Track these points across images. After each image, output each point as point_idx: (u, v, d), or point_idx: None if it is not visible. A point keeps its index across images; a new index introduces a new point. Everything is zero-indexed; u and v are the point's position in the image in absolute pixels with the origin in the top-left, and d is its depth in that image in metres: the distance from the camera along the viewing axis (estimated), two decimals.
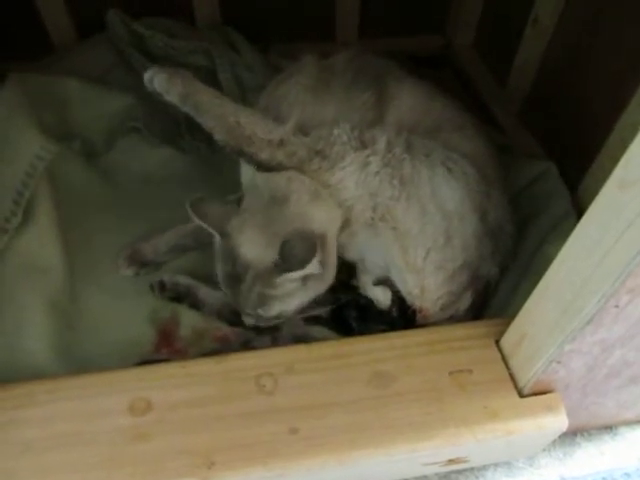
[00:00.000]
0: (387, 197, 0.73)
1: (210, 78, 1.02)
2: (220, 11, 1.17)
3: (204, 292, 0.84)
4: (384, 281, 0.77)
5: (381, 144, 0.75)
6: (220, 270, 0.75)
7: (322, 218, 0.74)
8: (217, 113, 0.77)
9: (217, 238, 0.74)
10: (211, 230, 0.74)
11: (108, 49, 1.05)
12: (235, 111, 0.77)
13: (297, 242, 0.69)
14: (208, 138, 1.02)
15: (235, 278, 0.73)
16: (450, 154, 0.76)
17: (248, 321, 0.76)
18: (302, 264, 0.69)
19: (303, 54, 1.07)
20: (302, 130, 0.77)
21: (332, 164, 0.75)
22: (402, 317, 0.75)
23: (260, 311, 0.74)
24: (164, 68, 0.78)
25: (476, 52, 1.30)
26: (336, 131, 0.76)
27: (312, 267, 0.69)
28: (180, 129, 1.01)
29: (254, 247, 0.72)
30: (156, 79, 0.77)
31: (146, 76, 0.78)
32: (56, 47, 1.14)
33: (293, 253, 0.69)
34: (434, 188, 0.74)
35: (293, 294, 0.74)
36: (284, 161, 0.76)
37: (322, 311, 0.78)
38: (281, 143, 0.76)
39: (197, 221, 0.74)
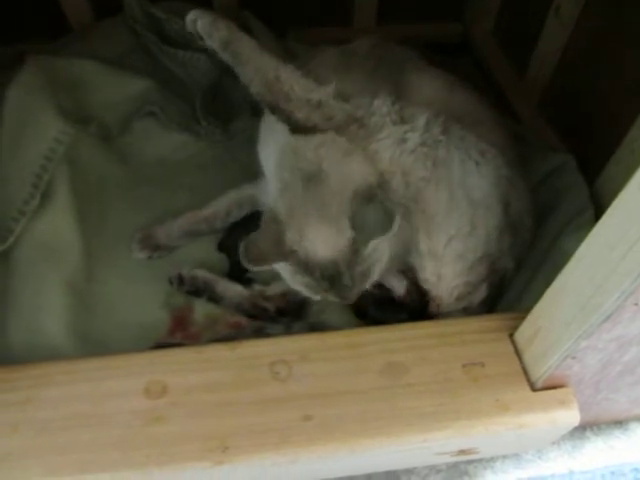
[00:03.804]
0: (418, 177, 0.72)
1: (226, 63, 1.01)
2: None
3: (222, 286, 0.84)
4: (403, 270, 0.77)
5: (420, 122, 0.74)
6: (307, 283, 0.71)
7: (362, 170, 0.72)
8: (257, 65, 0.75)
9: (284, 264, 0.70)
10: (277, 264, 0.70)
11: (125, 32, 1.04)
12: (276, 65, 0.75)
13: (363, 210, 0.67)
14: (224, 123, 1.04)
15: (331, 279, 0.70)
16: (481, 143, 0.75)
17: (352, 299, 0.73)
18: (386, 228, 0.66)
19: (320, 40, 1.06)
20: (342, 96, 0.75)
21: (369, 133, 0.73)
22: (418, 307, 0.75)
23: (367, 285, 0.72)
24: (208, 11, 0.76)
25: (495, 40, 1.28)
26: (377, 102, 0.74)
27: (396, 224, 0.67)
28: (196, 114, 1.01)
29: (327, 244, 0.68)
30: (199, 21, 0.75)
31: (189, 17, 0.76)
32: (73, 28, 1.13)
33: (367, 222, 0.67)
34: (465, 175, 0.73)
35: (383, 249, 0.71)
36: (320, 123, 0.73)
37: None
38: (319, 104, 0.73)
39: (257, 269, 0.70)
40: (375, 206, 0.68)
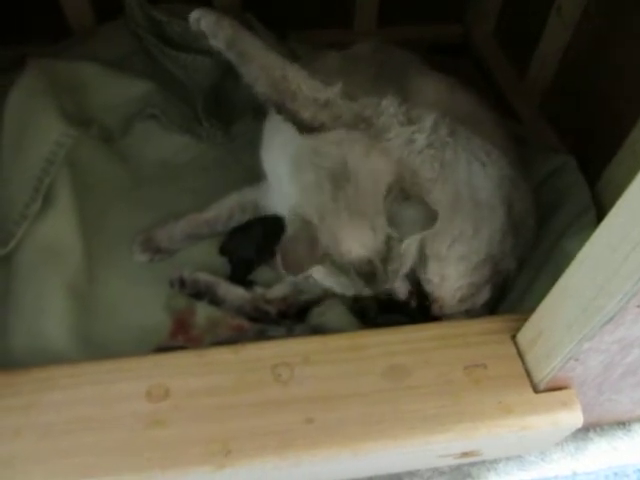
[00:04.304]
0: (425, 178, 0.72)
1: (228, 64, 1.01)
2: None
3: (224, 289, 0.84)
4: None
5: (428, 123, 0.74)
6: (340, 282, 0.71)
7: (387, 166, 0.71)
8: (263, 63, 0.74)
9: (321, 269, 0.69)
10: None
11: (126, 34, 1.04)
12: (282, 64, 0.74)
13: (404, 206, 0.66)
14: (225, 125, 1.04)
15: (366, 277, 0.69)
16: (486, 144, 0.75)
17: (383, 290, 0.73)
18: (424, 226, 0.66)
19: (321, 42, 1.06)
20: (349, 96, 0.74)
21: (377, 133, 0.73)
22: (420, 309, 0.75)
23: (400, 278, 0.72)
24: (212, 10, 0.76)
25: (496, 41, 1.28)
26: (384, 102, 0.74)
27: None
28: (198, 116, 1.01)
29: (363, 243, 0.68)
30: (203, 20, 0.75)
31: (193, 16, 0.75)
32: (74, 31, 1.13)
33: (404, 220, 0.66)
34: (470, 176, 0.73)
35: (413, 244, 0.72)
36: (327, 123, 0.73)
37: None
38: (327, 103, 0.73)
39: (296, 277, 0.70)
40: (414, 203, 0.67)
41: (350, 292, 0.73)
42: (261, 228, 0.89)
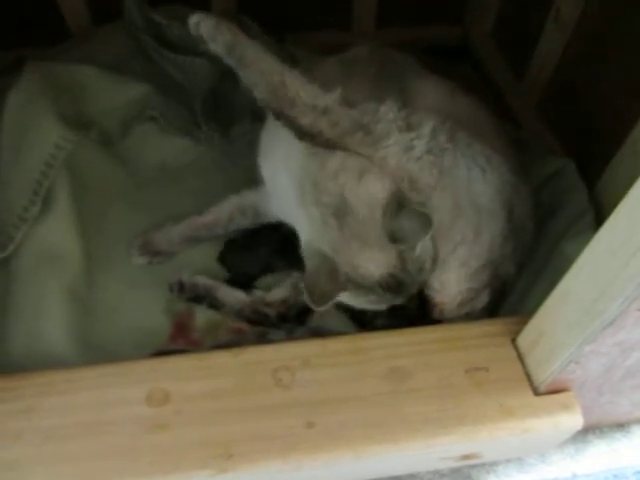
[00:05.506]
0: (425, 185, 0.73)
1: (226, 68, 1.01)
2: (236, 0, 1.16)
3: (223, 292, 0.83)
4: None
5: (427, 129, 0.74)
6: (370, 300, 0.72)
7: (381, 185, 0.71)
8: (262, 69, 0.73)
9: (348, 294, 0.71)
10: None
11: (125, 37, 1.04)
12: (281, 70, 0.74)
13: (399, 220, 0.68)
14: (224, 128, 1.04)
15: (393, 289, 0.70)
16: (487, 149, 0.75)
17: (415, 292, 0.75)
18: (425, 228, 0.67)
19: (319, 44, 1.06)
20: (348, 103, 0.74)
21: (375, 140, 0.73)
22: (420, 312, 0.76)
23: (427, 273, 0.73)
24: (211, 15, 0.75)
25: (494, 43, 1.28)
26: (383, 108, 0.74)
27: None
28: (197, 119, 1.01)
29: (378, 264, 0.69)
30: (203, 25, 0.74)
31: (192, 20, 0.74)
32: (72, 33, 1.13)
33: (407, 231, 0.67)
34: (470, 182, 0.73)
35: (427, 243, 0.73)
36: (325, 130, 0.72)
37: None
38: (325, 110, 0.72)
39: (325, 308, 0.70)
40: (406, 214, 0.68)
41: (382, 307, 0.74)
42: (268, 249, 0.89)
